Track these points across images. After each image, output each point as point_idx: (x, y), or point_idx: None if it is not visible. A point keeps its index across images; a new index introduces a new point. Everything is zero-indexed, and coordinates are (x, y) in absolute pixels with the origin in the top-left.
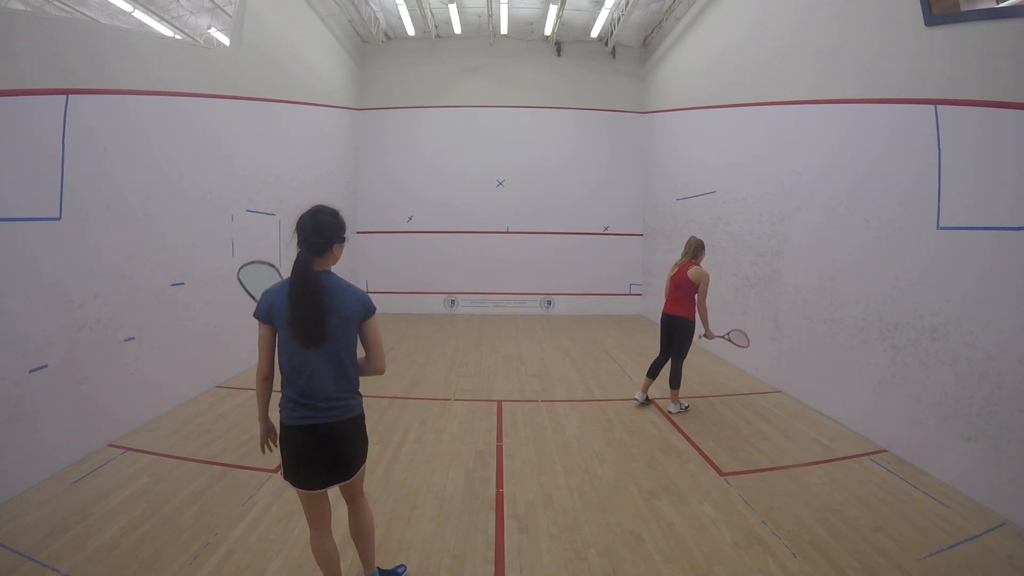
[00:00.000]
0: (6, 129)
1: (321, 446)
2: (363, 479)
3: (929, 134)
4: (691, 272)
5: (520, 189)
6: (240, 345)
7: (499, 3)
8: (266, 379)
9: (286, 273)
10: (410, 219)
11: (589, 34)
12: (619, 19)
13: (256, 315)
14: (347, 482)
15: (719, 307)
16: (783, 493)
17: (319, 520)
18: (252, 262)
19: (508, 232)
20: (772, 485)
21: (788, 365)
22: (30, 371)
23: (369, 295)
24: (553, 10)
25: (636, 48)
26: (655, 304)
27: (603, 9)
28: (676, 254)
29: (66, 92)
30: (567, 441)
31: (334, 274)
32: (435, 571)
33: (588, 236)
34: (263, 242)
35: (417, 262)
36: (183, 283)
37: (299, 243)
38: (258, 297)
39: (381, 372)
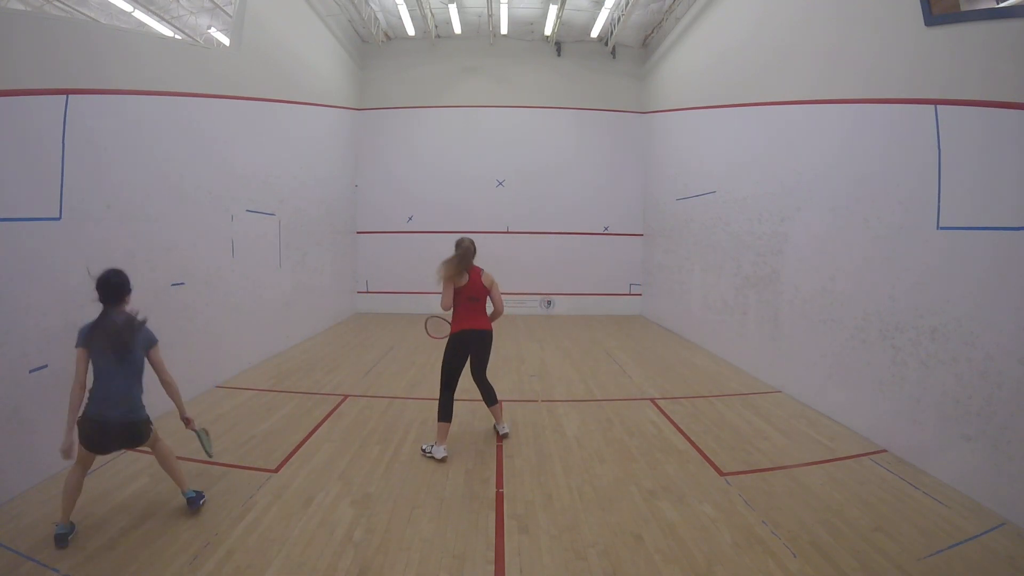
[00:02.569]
0: (6, 129)
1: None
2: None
3: (929, 134)
4: (486, 279)
5: (520, 189)
6: (240, 345)
7: (499, 3)
8: (84, 388)
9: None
10: (410, 219)
11: (589, 34)
12: (619, 19)
13: (80, 344)
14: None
15: (719, 307)
16: (783, 493)
17: (88, 466)
18: None
19: (508, 232)
20: (772, 485)
21: (788, 365)
22: (30, 371)
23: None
24: (553, 10)
25: (636, 48)
26: (655, 304)
27: (603, 9)
28: (676, 254)
29: (66, 92)
30: (567, 441)
31: (125, 311)
32: (435, 571)
33: (588, 236)
34: (263, 242)
35: (417, 262)
36: (183, 283)
37: (102, 300)
38: None
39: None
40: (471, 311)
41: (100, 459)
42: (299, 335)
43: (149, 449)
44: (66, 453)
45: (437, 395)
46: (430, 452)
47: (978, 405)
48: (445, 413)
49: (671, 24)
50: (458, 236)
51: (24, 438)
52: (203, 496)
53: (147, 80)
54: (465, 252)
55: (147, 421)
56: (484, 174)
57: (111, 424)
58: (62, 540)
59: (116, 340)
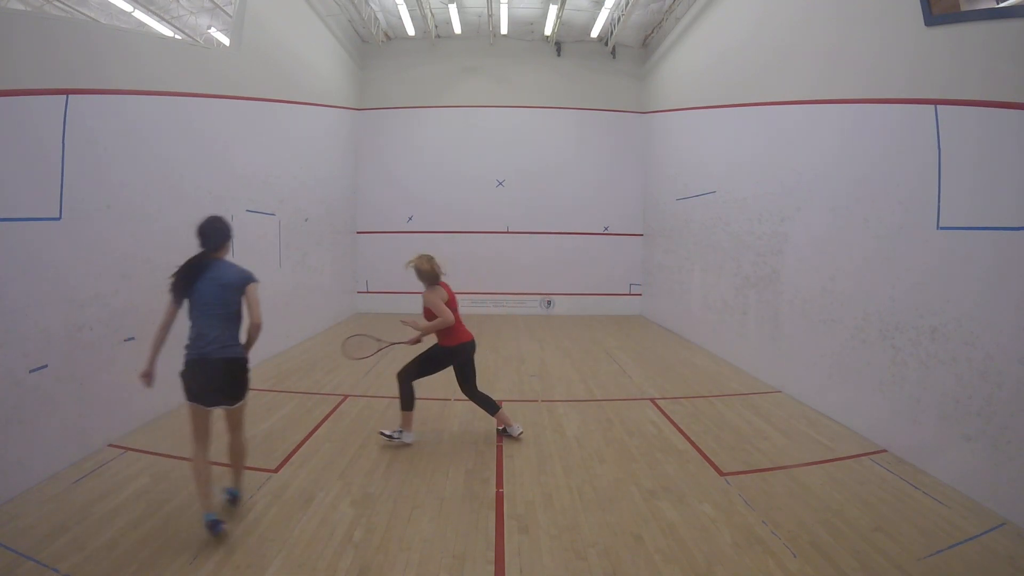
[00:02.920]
0: (6, 129)
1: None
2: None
3: (929, 134)
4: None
5: (520, 189)
6: None
7: (499, 3)
8: (165, 329)
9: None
10: (410, 219)
11: (589, 34)
12: (619, 19)
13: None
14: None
15: (719, 307)
16: (783, 493)
17: (205, 437)
18: None
19: (508, 232)
20: (772, 485)
21: (788, 365)
22: (30, 371)
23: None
24: (553, 10)
25: (636, 48)
26: (655, 304)
27: (603, 9)
28: (676, 254)
29: (66, 92)
30: (567, 441)
31: (224, 260)
32: (435, 571)
33: (588, 236)
34: (263, 242)
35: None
36: None
37: (201, 246)
38: None
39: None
40: (460, 322)
41: (97, 459)
42: (299, 335)
43: (235, 419)
44: (147, 378)
45: (436, 395)
46: (398, 438)
47: (978, 405)
48: (411, 402)
49: (671, 24)
50: (422, 253)
51: (24, 438)
52: (238, 495)
53: (147, 80)
54: (434, 265)
55: (246, 363)
56: (484, 174)
57: (209, 361)
58: (215, 527)
59: (182, 283)
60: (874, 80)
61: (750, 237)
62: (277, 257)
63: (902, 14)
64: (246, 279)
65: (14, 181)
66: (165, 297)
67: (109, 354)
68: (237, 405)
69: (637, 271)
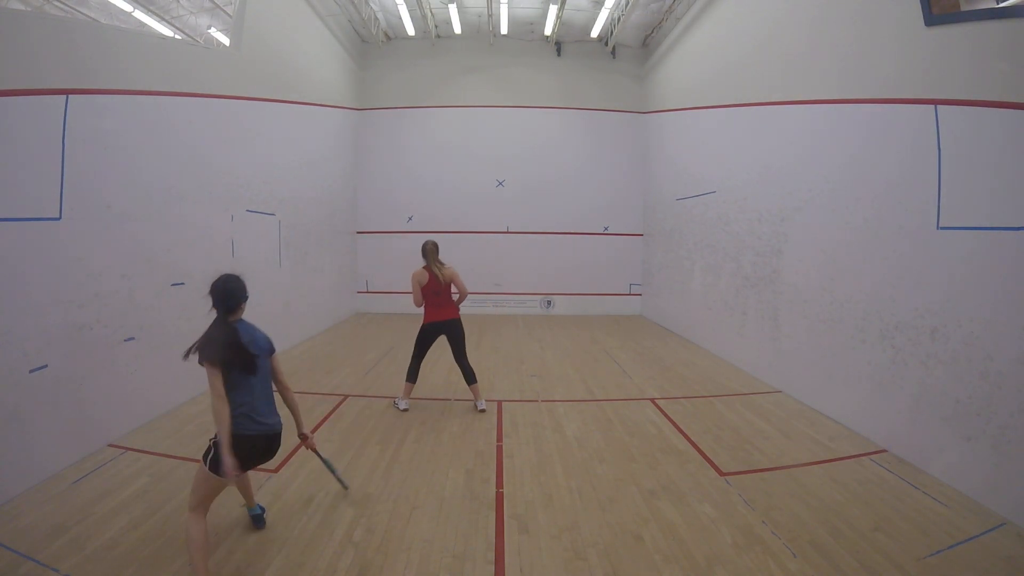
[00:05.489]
0: (6, 129)
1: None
2: None
3: (929, 134)
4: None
5: (520, 189)
6: None
7: (499, 3)
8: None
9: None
10: (410, 219)
11: (589, 34)
12: (619, 19)
13: (208, 360)
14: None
15: (719, 307)
16: (783, 493)
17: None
18: None
19: (508, 232)
20: (772, 485)
21: (788, 365)
22: (30, 371)
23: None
24: (553, 10)
25: (636, 48)
26: (655, 304)
27: (603, 9)
28: (676, 254)
29: (66, 92)
30: (567, 441)
31: (244, 320)
32: (435, 571)
33: (588, 236)
34: (263, 242)
35: (418, 262)
36: (183, 283)
37: (216, 307)
38: None
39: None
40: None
41: (97, 459)
42: (299, 335)
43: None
44: (235, 469)
45: (436, 395)
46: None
47: (978, 405)
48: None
49: (671, 24)
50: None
51: (24, 438)
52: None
53: (147, 80)
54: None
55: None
56: (484, 174)
57: (276, 432)
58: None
59: (242, 354)
60: (874, 80)
61: (750, 237)
62: (277, 257)
63: (902, 14)
64: (272, 347)
65: (14, 181)
66: (165, 297)
67: (109, 354)
68: None
69: (637, 271)
